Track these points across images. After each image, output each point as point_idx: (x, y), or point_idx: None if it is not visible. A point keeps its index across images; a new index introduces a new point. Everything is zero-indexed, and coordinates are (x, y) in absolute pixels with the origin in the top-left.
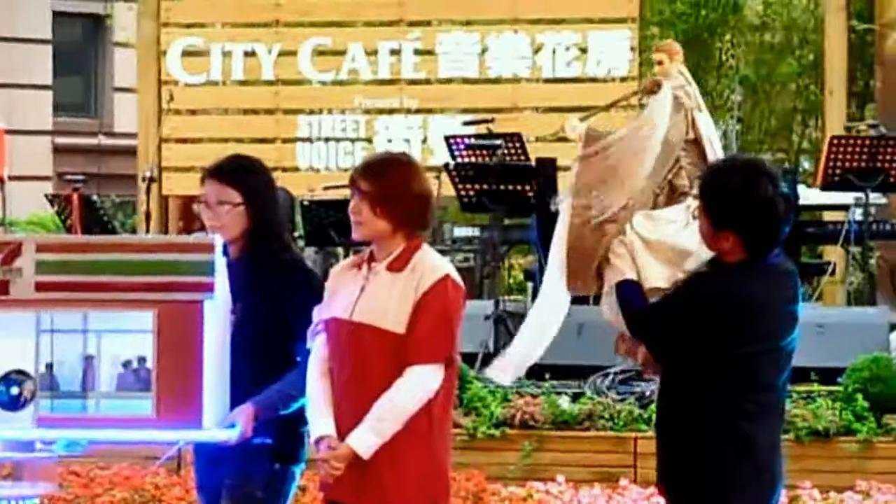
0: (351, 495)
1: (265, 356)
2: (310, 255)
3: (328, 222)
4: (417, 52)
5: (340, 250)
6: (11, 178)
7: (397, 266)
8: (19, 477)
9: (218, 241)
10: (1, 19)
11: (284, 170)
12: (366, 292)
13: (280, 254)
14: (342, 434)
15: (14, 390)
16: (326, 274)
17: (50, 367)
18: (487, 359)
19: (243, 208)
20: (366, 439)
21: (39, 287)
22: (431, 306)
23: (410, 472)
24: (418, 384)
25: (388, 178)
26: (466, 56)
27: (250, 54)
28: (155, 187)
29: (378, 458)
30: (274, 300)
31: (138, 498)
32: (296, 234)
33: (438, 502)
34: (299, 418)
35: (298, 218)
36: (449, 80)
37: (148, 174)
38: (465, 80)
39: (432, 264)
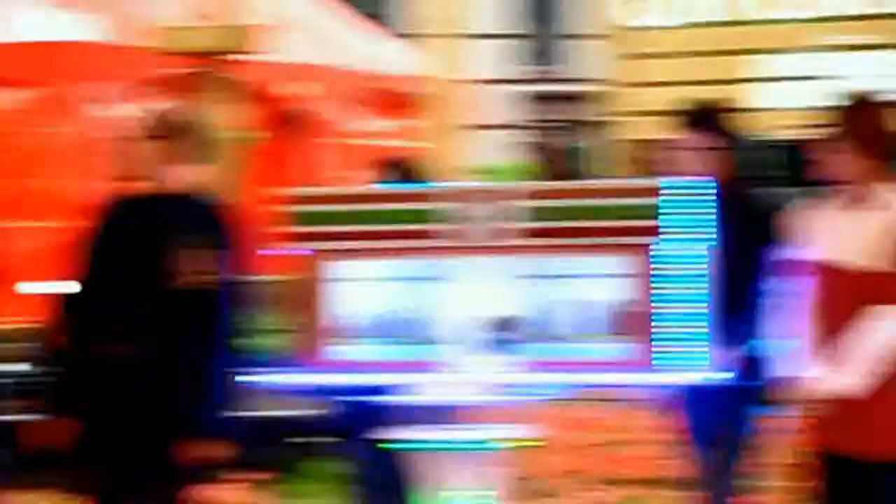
0: (840, 438)
1: (739, 294)
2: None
3: (794, 163)
4: None
5: (806, 190)
6: (481, 126)
7: (878, 205)
8: (514, 420)
9: (665, 183)
10: None
11: (747, 111)
12: (848, 233)
13: (754, 197)
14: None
15: (507, 335)
16: (793, 215)
17: (539, 312)
18: None
19: (719, 153)
20: (855, 379)
21: (512, 234)
22: None
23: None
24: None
25: (870, 118)
26: None
27: None
28: (614, 131)
29: (867, 400)
30: (748, 240)
31: (623, 439)
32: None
33: None
34: (782, 360)
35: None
36: None
37: (609, 119)
38: None
39: None
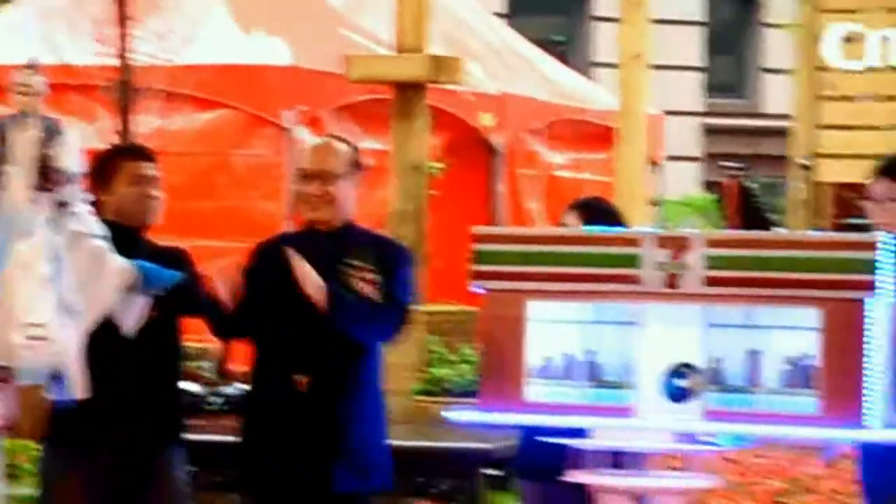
0: None
1: None
2: None
3: None
4: None
5: None
6: (672, 158)
7: None
8: (685, 467)
9: (883, 238)
10: (655, 1)
11: None
12: None
13: None
14: None
15: (682, 382)
16: None
17: (716, 360)
18: None
19: None
20: None
21: (708, 281)
22: None
23: None
24: None
25: None
26: None
27: None
28: (809, 173)
29: None
30: None
31: (793, 488)
32: None
33: None
34: None
35: None
36: None
37: (805, 161)
38: None
39: None
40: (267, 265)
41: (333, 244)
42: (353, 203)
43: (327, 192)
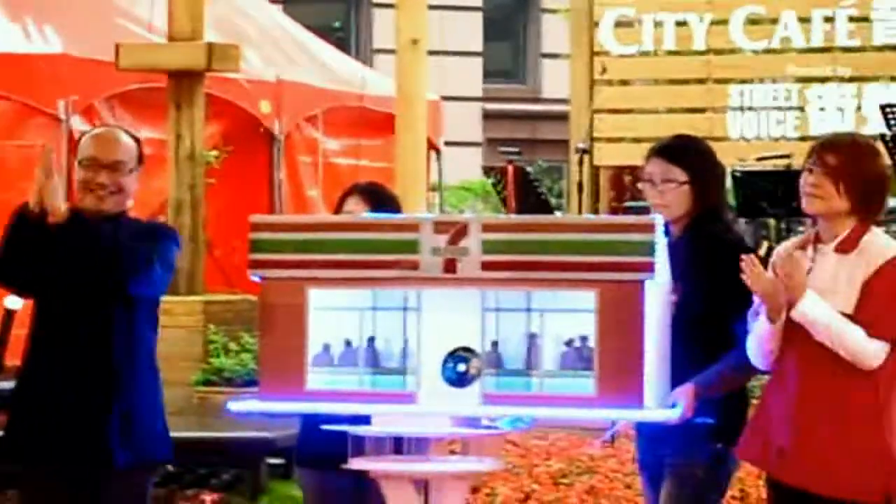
0: (798, 476)
1: (704, 337)
2: (741, 226)
3: (760, 193)
4: (852, 18)
5: (772, 222)
6: (451, 144)
7: (845, 247)
8: (466, 452)
9: (658, 221)
10: None
11: (715, 140)
12: (812, 274)
13: (723, 235)
14: (797, 422)
15: (461, 367)
16: (757, 245)
17: (495, 344)
18: None
19: (689, 187)
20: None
21: (485, 266)
22: (880, 287)
23: (861, 456)
24: (862, 346)
25: (856, 158)
26: None
27: (682, 24)
28: (586, 158)
29: (828, 442)
30: (715, 281)
31: (574, 469)
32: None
33: (888, 486)
34: (742, 398)
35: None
36: (883, 48)
37: (581, 146)
38: None
39: (882, 246)
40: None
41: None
42: (133, 195)
43: (117, 182)
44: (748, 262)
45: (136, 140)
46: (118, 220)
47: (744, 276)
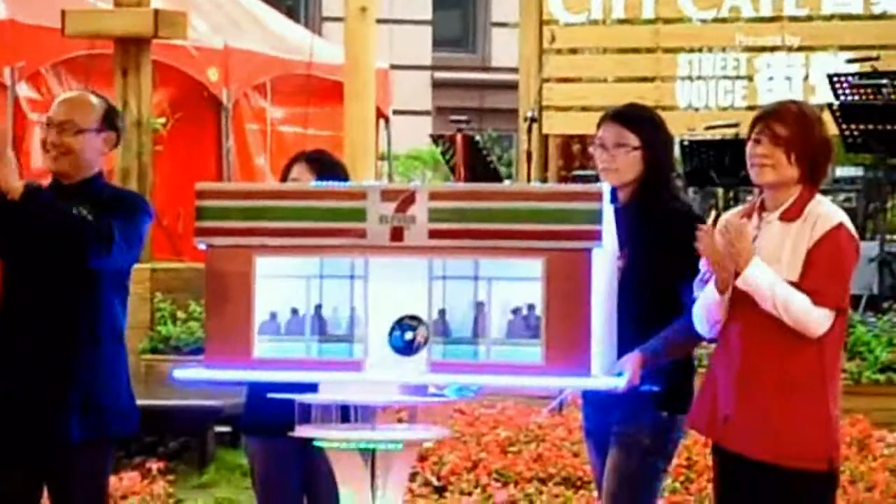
0: (742, 444)
1: (652, 304)
2: (689, 195)
3: (708, 162)
4: None
5: (720, 191)
6: (400, 112)
7: (790, 216)
8: (413, 420)
9: (605, 189)
10: None
11: (664, 108)
12: (757, 243)
13: (670, 202)
14: (742, 390)
15: (408, 335)
16: (705, 214)
17: (442, 313)
18: (872, 301)
19: (640, 153)
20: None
21: (432, 234)
22: (824, 255)
23: (803, 422)
24: (807, 314)
25: (805, 127)
26: None
27: None
28: (535, 126)
29: (772, 410)
30: (662, 248)
31: (522, 437)
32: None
33: (831, 453)
34: (688, 366)
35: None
36: (832, 17)
37: (530, 115)
38: (849, 17)
39: (826, 213)
40: None
41: (74, 198)
42: (96, 159)
43: (63, 142)
44: (703, 231)
45: (107, 105)
46: (90, 187)
47: (698, 245)
